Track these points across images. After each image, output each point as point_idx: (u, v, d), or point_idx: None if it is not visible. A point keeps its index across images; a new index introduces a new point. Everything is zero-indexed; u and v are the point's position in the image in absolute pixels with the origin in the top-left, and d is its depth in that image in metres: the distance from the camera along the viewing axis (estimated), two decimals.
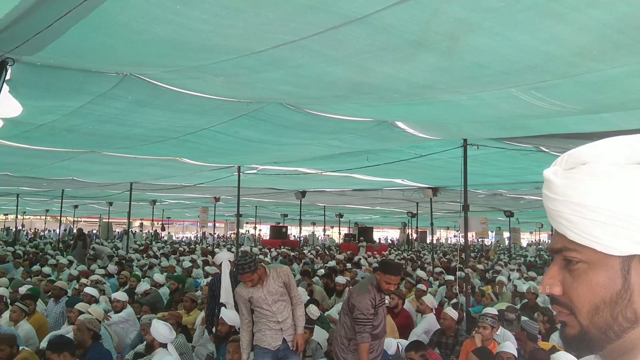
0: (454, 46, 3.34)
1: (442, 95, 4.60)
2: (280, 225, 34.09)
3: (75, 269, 12.35)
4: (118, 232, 39.81)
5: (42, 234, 40.01)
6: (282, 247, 26.39)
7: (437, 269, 13.93)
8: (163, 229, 36.28)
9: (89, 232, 40.50)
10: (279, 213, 30.67)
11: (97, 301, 7.74)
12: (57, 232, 30.37)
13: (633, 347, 0.81)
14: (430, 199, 13.87)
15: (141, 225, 42.13)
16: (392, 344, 5.57)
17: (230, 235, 39.41)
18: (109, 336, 6.35)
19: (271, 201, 22.35)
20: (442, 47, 3.38)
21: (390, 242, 47.14)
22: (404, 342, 5.96)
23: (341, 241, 32.33)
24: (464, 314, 7.55)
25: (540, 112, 5.02)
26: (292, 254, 19.66)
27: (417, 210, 20.71)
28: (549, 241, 14.82)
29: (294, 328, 5.20)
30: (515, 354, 4.80)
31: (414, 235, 31.75)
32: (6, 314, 6.92)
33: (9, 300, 7.67)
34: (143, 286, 9.48)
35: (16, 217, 27.46)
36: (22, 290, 8.03)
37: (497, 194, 15.73)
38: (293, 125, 6.55)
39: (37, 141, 7.94)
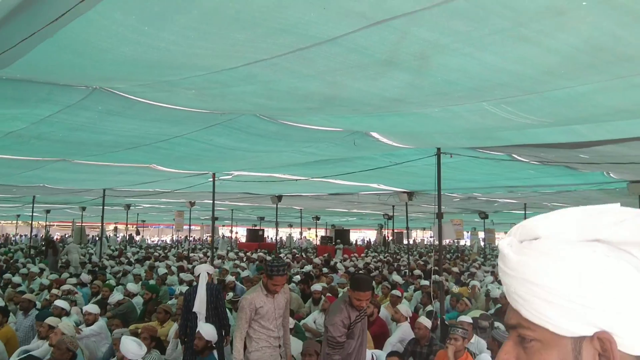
0: (425, 65, 3.35)
1: (414, 108, 4.63)
2: (257, 228, 33.96)
3: (46, 277, 12.10)
4: (92, 236, 39.20)
5: (13, 239, 39.19)
6: (258, 250, 26.28)
7: (415, 272, 14.01)
8: (138, 233, 35.85)
9: (61, 236, 39.86)
10: (256, 216, 30.57)
11: (67, 314, 7.59)
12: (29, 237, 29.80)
13: None
14: (406, 203, 13.94)
15: (115, 229, 41.55)
16: (367, 354, 5.56)
17: (206, 238, 39.12)
18: (80, 351, 6.23)
19: (247, 205, 22.24)
20: (412, 66, 3.39)
21: (367, 243, 47.34)
22: (379, 353, 5.98)
23: (318, 243, 32.36)
24: (439, 322, 7.60)
25: (511, 124, 5.09)
26: (268, 257, 19.55)
27: (393, 213, 20.83)
28: None
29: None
30: None
31: (390, 237, 31.89)
32: None
33: None
34: (116, 296, 9.33)
35: None
36: None
37: (471, 197, 15.92)
38: (267, 134, 6.52)
39: (5, 150, 7.77)
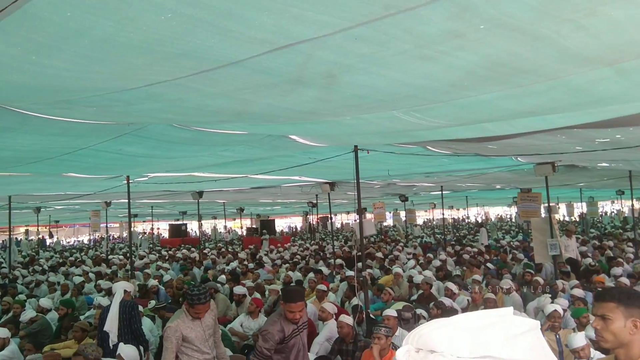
0: (333, 83, 3.34)
1: (327, 117, 4.62)
2: (180, 222, 33.16)
3: None
4: (2, 241, 36.79)
5: None
6: (182, 246, 25.70)
7: (338, 261, 14.18)
8: (51, 235, 33.96)
9: None
10: (178, 210, 29.83)
11: None
12: None
13: None
14: (328, 193, 14.06)
15: (26, 232, 39.20)
16: None
17: (126, 236, 37.73)
18: None
19: (168, 202, 21.65)
20: (321, 84, 3.37)
21: (293, 230, 47.52)
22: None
23: (244, 234, 32.12)
24: (364, 315, 7.73)
25: (422, 126, 5.20)
26: (192, 255, 19.16)
27: (317, 200, 21.01)
28: (443, 219, 15.56)
29: None
30: None
31: (315, 224, 32.14)
32: None
33: None
34: (28, 313, 8.77)
35: None
36: None
37: (391, 183, 16.30)
38: (181, 141, 6.32)
39: None
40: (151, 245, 29.48)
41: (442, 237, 23.54)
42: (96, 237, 35.32)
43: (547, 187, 10.93)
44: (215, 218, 38.41)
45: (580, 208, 31.51)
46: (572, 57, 3.12)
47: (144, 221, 38.74)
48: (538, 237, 10.82)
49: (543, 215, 11.92)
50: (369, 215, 27.76)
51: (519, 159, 10.48)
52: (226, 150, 7.33)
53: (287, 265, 14.74)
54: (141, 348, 6.24)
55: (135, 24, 2.31)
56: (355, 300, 8.39)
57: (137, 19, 2.26)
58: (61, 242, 39.07)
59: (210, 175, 11.44)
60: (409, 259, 14.83)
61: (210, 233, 39.04)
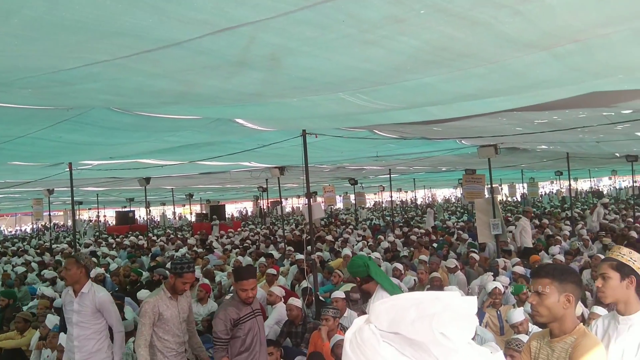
0: (277, 65, 3.32)
1: (273, 99, 4.60)
2: (127, 210, 32.39)
3: None
4: None
5: None
6: (129, 233, 25.18)
7: (289, 248, 14.21)
8: None
9: None
10: (125, 197, 29.10)
11: None
12: None
13: None
14: (278, 177, 14.03)
15: None
16: None
17: (71, 225, 36.59)
18: None
19: (114, 189, 21.07)
20: (265, 66, 3.34)
21: (244, 215, 47.26)
22: None
23: (194, 220, 31.71)
24: (313, 298, 7.81)
25: (368, 109, 5.25)
26: (140, 242, 18.79)
27: (267, 185, 20.93)
28: (391, 201, 15.88)
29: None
30: None
31: (266, 208, 32.06)
32: None
33: None
34: None
35: None
36: None
37: (340, 167, 16.41)
38: (123, 126, 6.14)
39: None
40: (97, 233, 28.70)
41: (391, 219, 23.95)
42: (39, 225, 34.04)
43: (489, 169, 11.27)
44: (164, 204, 37.67)
45: (521, 188, 32.65)
46: (509, 42, 3.21)
47: (89, 209, 37.64)
48: (481, 218, 11.17)
49: (486, 196, 12.30)
50: (319, 199, 27.90)
51: (462, 141, 10.75)
52: (172, 136, 7.18)
53: (238, 250, 14.68)
54: None
55: (68, 2, 2.22)
56: (304, 283, 8.47)
57: None
58: (3, 231, 37.52)
59: (157, 162, 11.20)
60: (358, 241, 15.03)
61: (159, 219, 38.30)
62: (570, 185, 17.63)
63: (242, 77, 3.65)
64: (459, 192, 41.78)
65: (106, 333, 5.05)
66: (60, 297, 7.22)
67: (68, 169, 10.51)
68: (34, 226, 39.28)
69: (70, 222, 37.91)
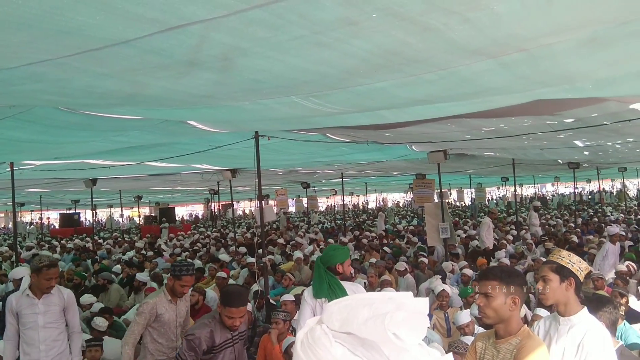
0: (229, 66, 3.27)
1: (225, 102, 4.54)
2: (72, 212, 31.34)
3: None
4: None
5: None
6: (74, 236, 24.36)
7: (241, 249, 14.07)
8: None
9: None
10: (70, 199, 28.13)
11: None
12: None
13: None
14: (230, 180, 13.89)
15: None
16: None
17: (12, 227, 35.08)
18: None
19: (59, 190, 20.35)
20: (217, 67, 3.29)
21: (194, 218, 46.53)
22: None
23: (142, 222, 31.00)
24: (264, 301, 7.75)
25: (321, 113, 5.26)
26: (86, 244, 18.20)
27: (219, 188, 20.68)
28: (343, 205, 15.93)
29: None
30: None
31: (217, 211, 31.68)
32: None
33: None
34: None
35: None
36: None
37: (293, 171, 16.39)
38: (69, 126, 5.93)
39: None
40: (40, 236, 27.63)
41: (343, 222, 24.09)
42: None
43: (439, 174, 11.50)
44: (111, 207, 36.66)
45: (469, 194, 33.54)
46: (459, 49, 3.28)
47: (32, 211, 36.24)
48: (431, 222, 11.37)
49: (436, 200, 12.54)
50: (271, 202, 27.79)
51: (413, 147, 10.93)
52: (120, 136, 6.99)
53: (187, 253, 14.43)
54: None
55: None
56: (255, 287, 8.39)
57: None
58: None
59: (104, 163, 10.88)
60: (310, 245, 15.03)
61: (105, 222, 37.22)
62: (515, 190, 18.18)
63: (193, 78, 3.58)
64: (409, 196, 42.46)
65: (66, 334, 4.92)
66: None
67: (9, 169, 10.08)
68: None
69: (11, 225, 36.35)
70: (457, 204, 37.65)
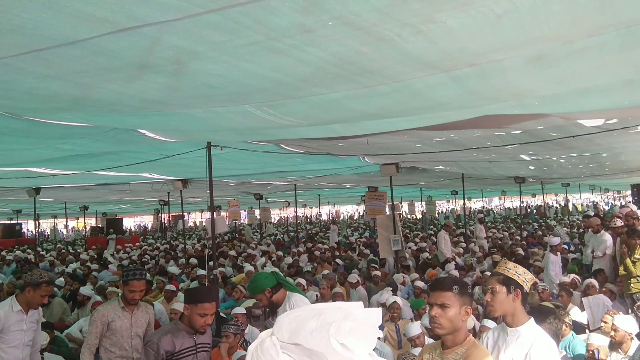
0: (182, 70, 3.21)
1: (177, 109, 4.45)
2: (14, 222, 30.03)
3: None
4: None
5: None
6: (15, 248, 23.35)
7: (192, 260, 13.79)
8: None
9: None
10: (11, 209, 26.95)
11: None
12: None
13: None
14: (181, 190, 13.65)
15: None
16: None
17: None
18: None
19: (0, 199, 19.46)
20: (169, 70, 3.22)
21: (143, 229, 45.41)
22: None
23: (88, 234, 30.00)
24: (215, 315, 7.59)
25: (274, 124, 5.23)
26: (28, 256, 17.44)
27: (169, 198, 20.27)
28: (296, 217, 15.89)
29: None
30: None
31: (167, 222, 31.03)
32: None
33: None
34: None
35: None
36: None
37: (246, 182, 16.26)
38: (11, 132, 5.68)
39: None
40: None
41: (295, 234, 24.04)
42: None
43: (391, 186, 11.63)
44: (55, 217, 35.32)
45: (420, 206, 34.08)
46: (412, 61, 3.33)
47: None
48: (382, 234, 11.47)
49: (388, 213, 12.67)
50: (223, 213, 27.44)
51: (366, 159, 11.03)
52: (66, 144, 6.74)
53: (135, 265, 14.03)
54: None
55: None
56: None
57: None
58: None
59: (48, 171, 10.47)
60: (262, 257, 14.90)
61: (49, 234, 35.84)
62: (464, 204, 18.60)
63: (145, 82, 3.49)
64: (362, 208, 42.79)
65: None
66: None
67: None
68: None
69: None
70: (409, 216, 38.17)
